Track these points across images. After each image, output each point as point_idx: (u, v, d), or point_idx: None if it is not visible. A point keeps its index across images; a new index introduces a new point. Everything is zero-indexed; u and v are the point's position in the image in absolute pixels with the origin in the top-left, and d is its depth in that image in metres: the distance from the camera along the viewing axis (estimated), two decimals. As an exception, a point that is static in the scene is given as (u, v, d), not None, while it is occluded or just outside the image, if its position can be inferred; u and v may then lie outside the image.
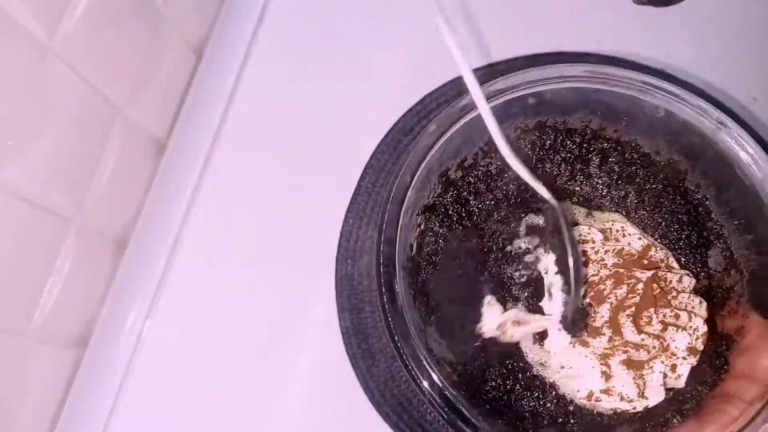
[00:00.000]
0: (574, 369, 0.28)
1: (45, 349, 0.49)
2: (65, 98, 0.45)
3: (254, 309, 0.53)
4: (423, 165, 0.29)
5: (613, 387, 0.28)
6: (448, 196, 0.33)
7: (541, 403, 0.30)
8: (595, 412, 0.30)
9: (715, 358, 0.29)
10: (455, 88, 0.55)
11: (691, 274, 0.30)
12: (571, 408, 0.30)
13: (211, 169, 0.57)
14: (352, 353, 0.51)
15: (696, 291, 0.31)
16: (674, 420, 0.28)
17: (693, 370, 0.29)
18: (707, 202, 0.32)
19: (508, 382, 0.30)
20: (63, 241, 0.48)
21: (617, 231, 0.31)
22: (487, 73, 0.55)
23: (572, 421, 0.30)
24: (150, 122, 0.56)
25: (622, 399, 0.28)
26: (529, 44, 0.56)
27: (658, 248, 0.31)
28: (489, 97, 0.30)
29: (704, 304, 0.30)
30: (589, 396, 0.29)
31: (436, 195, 0.32)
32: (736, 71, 0.54)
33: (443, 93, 0.55)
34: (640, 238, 0.30)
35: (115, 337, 0.54)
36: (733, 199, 0.31)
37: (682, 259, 0.32)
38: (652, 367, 0.28)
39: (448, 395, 0.26)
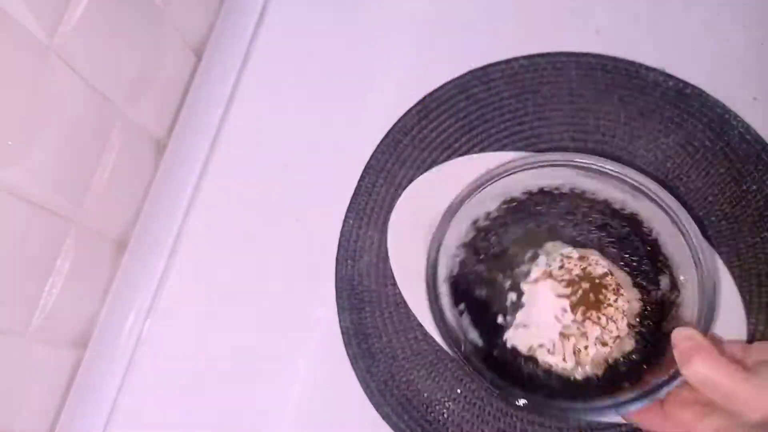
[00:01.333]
0: (532, 330, 0.44)
1: (45, 350, 0.49)
2: (65, 98, 0.45)
3: (254, 309, 0.53)
4: (455, 217, 0.43)
5: (544, 344, 0.44)
6: (478, 236, 0.47)
7: (534, 371, 0.44)
8: (571, 378, 0.44)
9: (658, 348, 0.42)
10: (455, 88, 0.55)
11: (630, 301, 0.45)
12: (552, 375, 0.44)
13: (211, 170, 0.57)
14: (352, 353, 0.51)
15: (646, 304, 0.45)
16: (625, 384, 0.41)
17: (642, 356, 0.43)
18: (658, 242, 0.45)
19: (515, 359, 0.45)
20: (63, 241, 0.48)
21: (591, 260, 0.46)
22: (485, 76, 0.55)
23: (554, 384, 0.43)
24: (150, 122, 0.56)
25: (548, 352, 0.43)
26: (527, 45, 0.56)
27: (612, 277, 0.45)
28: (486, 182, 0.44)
29: (625, 320, 0.44)
30: (530, 348, 0.44)
31: (471, 237, 0.47)
32: (736, 71, 0.54)
33: (443, 93, 0.55)
34: (603, 268, 0.45)
35: (115, 338, 0.54)
36: (669, 242, 0.44)
37: (640, 281, 0.46)
38: (569, 339, 0.43)
39: (473, 360, 0.41)
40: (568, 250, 0.46)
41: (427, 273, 0.42)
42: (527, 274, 0.46)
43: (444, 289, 0.42)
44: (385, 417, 0.49)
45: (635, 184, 0.42)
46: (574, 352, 0.43)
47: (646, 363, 0.43)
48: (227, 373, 0.52)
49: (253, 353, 0.52)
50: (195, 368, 0.53)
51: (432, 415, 0.49)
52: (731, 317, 0.47)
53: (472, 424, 0.49)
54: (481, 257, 0.47)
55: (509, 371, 0.43)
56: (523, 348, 0.44)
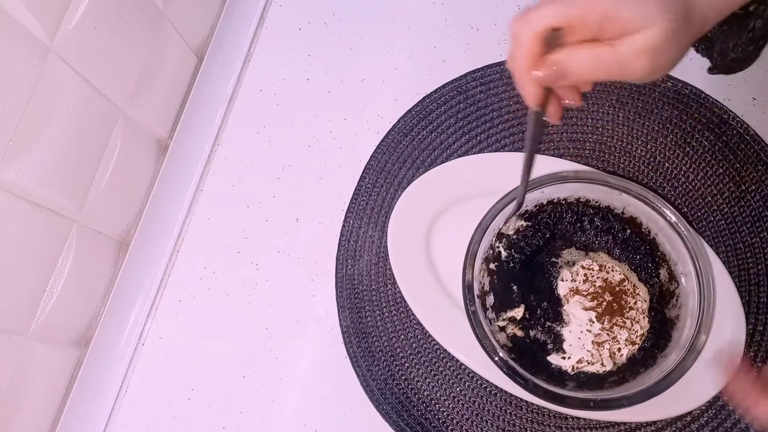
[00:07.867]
0: (570, 350, 0.48)
1: (46, 349, 0.49)
2: (66, 98, 0.45)
3: (255, 309, 0.54)
4: (484, 237, 0.48)
5: (583, 358, 0.48)
6: (502, 248, 0.51)
7: (564, 368, 0.48)
8: (598, 372, 0.48)
9: (664, 333, 0.48)
10: (454, 89, 0.56)
11: (646, 300, 0.49)
12: (582, 371, 0.48)
13: (213, 170, 0.57)
14: (353, 352, 0.51)
15: (651, 296, 0.49)
16: (641, 369, 0.46)
17: (652, 342, 0.48)
18: (656, 241, 0.49)
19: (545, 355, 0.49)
20: (64, 241, 0.48)
21: (608, 267, 0.49)
22: (484, 77, 0.55)
23: (583, 377, 0.48)
24: (151, 122, 0.56)
25: (588, 363, 0.47)
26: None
27: (629, 281, 0.49)
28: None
29: (646, 319, 0.48)
30: (573, 368, 0.48)
31: (497, 251, 0.51)
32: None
33: (442, 95, 0.56)
34: (620, 273, 0.49)
35: (116, 337, 0.54)
36: (667, 242, 0.48)
37: (643, 274, 0.50)
38: (603, 346, 0.47)
39: (506, 359, 0.45)
40: (587, 262, 0.49)
41: (464, 293, 0.46)
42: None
43: (477, 306, 0.46)
44: (385, 415, 0.50)
45: (636, 194, 0.47)
46: (610, 356, 0.47)
47: (656, 348, 0.47)
48: (227, 373, 0.52)
49: (254, 352, 0.53)
50: (195, 368, 0.53)
51: (431, 413, 0.49)
52: (730, 317, 0.47)
53: (471, 423, 0.49)
54: (507, 270, 0.50)
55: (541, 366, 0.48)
56: (569, 368, 0.48)
